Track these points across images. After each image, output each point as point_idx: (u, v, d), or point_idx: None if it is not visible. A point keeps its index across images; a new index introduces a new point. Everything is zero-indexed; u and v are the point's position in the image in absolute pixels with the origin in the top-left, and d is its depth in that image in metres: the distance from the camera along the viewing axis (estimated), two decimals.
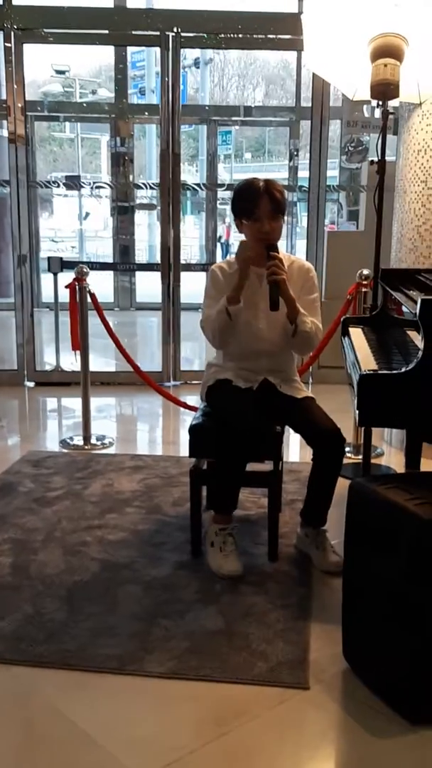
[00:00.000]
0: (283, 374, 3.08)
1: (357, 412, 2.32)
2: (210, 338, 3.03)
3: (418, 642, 2.02)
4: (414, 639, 2.02)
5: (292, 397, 3.00)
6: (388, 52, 3.24)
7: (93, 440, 4.51)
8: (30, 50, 5.70)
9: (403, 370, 2.23)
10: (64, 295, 4.75)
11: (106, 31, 6.03)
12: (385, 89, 3.27)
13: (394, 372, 2.25)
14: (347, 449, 4.27)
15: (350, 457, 4.21)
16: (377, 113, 3.58)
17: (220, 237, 13.44)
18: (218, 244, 13.02)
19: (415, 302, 2.24)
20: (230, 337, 2.97)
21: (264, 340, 2.99)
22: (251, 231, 2.92)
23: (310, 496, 2.97)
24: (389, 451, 4.39)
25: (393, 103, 3.67)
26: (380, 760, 1.94)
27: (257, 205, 2.87)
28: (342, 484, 2.68)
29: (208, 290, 3.04)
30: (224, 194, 10.18)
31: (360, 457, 4.00)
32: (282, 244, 10.94)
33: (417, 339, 2.31)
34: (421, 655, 2.02)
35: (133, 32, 6.00)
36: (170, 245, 5.95)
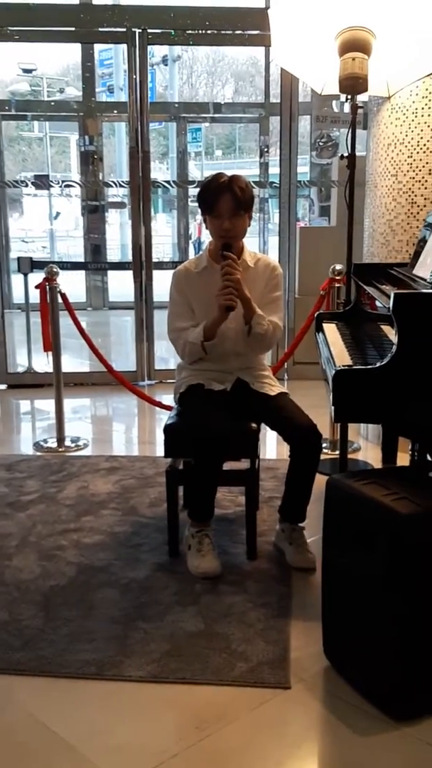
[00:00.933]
0: (254, 371, 3.05)
1: (333, 407, 2.31)
2: (181, 357, 3.05)
3: (399, 638, 2.00)
4: (395, 635, 2.01)
5: (266, 395, 2.98)
6: (355, 45, 3.23)
7: (67, 442, 4.46)
8: None
9: (378, 365, 2.21)
10: (36, 296, 4.70)
11: (73, 29, 5.98)
12: (353, 83, 3.25)
13: (369, 367, 2.24)
14: (324, 445, 4.26)
15: (327, 453, 4.20)
16: (347, 108, 3.56)
17: (190, 235, 13.40)
18: (190, 243, 12.98)
19: (389, 297, 2.23)
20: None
21: (230, 339, 2.96)
22: (213, 227, 2.90)
23: (287, 492, 2.96)
24: (366, 446, 4.39)
25: (362, 98, 3.67)
26: (364, 758, 1.92)
27: (218, 201, 2.83)
28: (320, 480, 2.67)
29: (172, 296, 3.03)
30: (195, 191, 10.15)
31: (337, 452, 3.99)
32: (254, 241, 10.94)
33: (391, 333, 2.30)
34: (403, 652, 2.01)
35: (100, 29, 5.95)
36: (142, 243, 5.91)
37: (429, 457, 2.46)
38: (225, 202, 2.82)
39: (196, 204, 3.05)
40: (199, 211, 3.00)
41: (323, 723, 2.08)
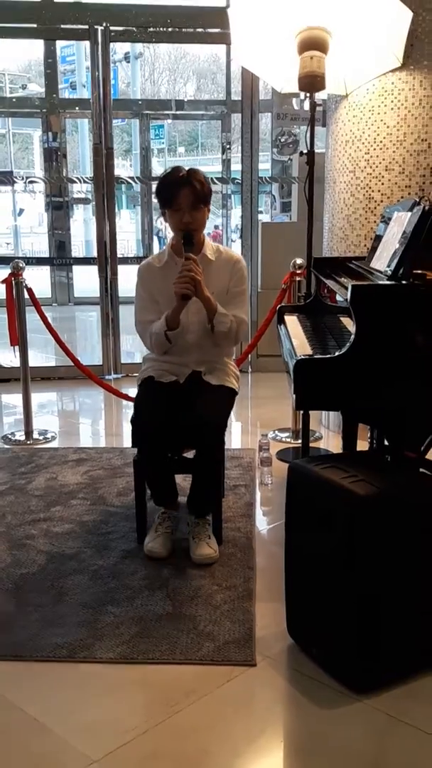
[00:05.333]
0: (212, 363, 3.07)
1: (294, 396, 2.39)
2: (149, 349, 3.08)
3: (358, 614, 2.09)
4: (354, 611, 2.10)
5: (208, 384, 3.00)
6: (313, 44, 3.32)
7: (35, 435, 4.50)
8: None
9: (336, 354, 2.30)
10: (1, 292, 4.72)
11: (35, 25, 6.00)
12: (312, 81, 3.35)
13: (328, 356, 2.33)
14: (286, 434, 4.37)
15: (290, 442, 4.30)
16: (306, 105, 3.65)
17: (159, 231, 13.42)
18: (155, 237, 13.01)
19: (347, 289, 2.32)
20: (169, 349, 3.01)
21: (192, 332, 3.00)
22: (173, 221, 2.93)
23: (191, 483, 2.98)
24: (327, 434, 4.49)
25: (321, 95, 3.76)
26: (327, 730, 2.01)
27: (178, 195, 2.86)
28: (282, 468, 2.75)
29: (138, 291, 3.07)
30: None
31: (299, 441, 4.09)
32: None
33: (350, 324, 2.39)
34: (362, 628, 2.10)
35: (62, 26, 5.97)
36: (106, 239, 5.96)
37: (386, 442, 2.55)
38: (184, 195, 2.85)
39: None
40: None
41: (288, 697, 2.16)
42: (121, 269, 6.06)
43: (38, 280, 8.40)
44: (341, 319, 2.84)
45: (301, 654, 2.31)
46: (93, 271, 6.16)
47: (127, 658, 2.29)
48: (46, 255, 11.19)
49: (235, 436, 4.50)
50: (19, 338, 4.48)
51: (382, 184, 3.90)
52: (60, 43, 11.69)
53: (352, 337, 2.28)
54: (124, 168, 16.81)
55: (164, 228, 13.88)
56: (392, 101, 3.79)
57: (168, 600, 2.59)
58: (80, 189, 11.66)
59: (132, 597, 2.61)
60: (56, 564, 2.86)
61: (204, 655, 2.30)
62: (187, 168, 2.94)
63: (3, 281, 4.54)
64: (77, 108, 11.97)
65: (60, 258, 10.61)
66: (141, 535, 3.02)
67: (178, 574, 2.77)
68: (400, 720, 2.03)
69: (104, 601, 2.59)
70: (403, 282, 2.37)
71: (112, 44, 5.89)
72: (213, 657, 2.29)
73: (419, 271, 2.45)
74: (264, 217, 9.39)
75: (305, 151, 3.61)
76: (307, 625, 2.31)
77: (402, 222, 2.58)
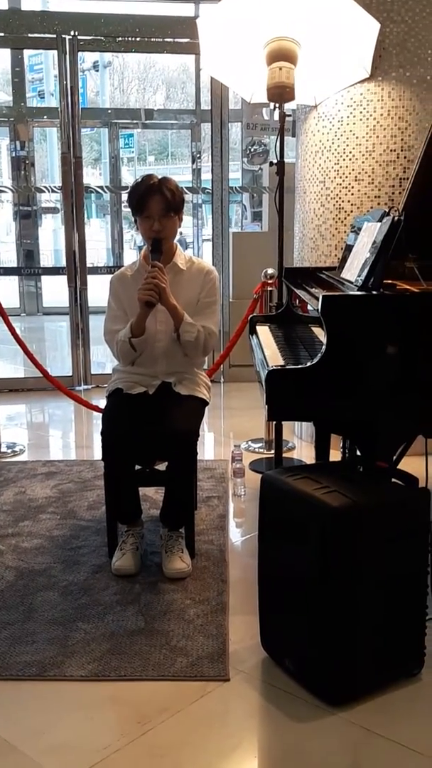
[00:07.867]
0: (182, 374, 3.04)
1: (266, 407, 2.37)
2: (116, 359, 3.05)
3: (331, 627, 2.08)
4: (328, 623, 2.08)
5: (177, 394, 2.98)
6: (282, 55, 3.32)
7: (3, 448, 4.43)
8: None
9: (308, 364, 2.29)
10: None
11: (2, 34, 5.95)
12: (281, 92, 3.35)
13: (299, 367, 2.31)
14: (259, 445, 4.36)
15: (263, 453, 4.29)
16: (276, 115, 3.66)
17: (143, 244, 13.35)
18: (130, 246, 12.98)
19: (317, 299, 2.31)
20: (135, 358, 2.98)
21: (160, 341, 2.97)
22: (143, 228, 2.93)
23: (164, 495, 2.94)
24: (300, 444, 4.49)
25: (290, 106, 3.77)
26: (302, 744, 1.99)
27: (148, 202, 2.85)
28: (256, 479, 2.73)
29: (108, 301, 3.05)
30: None
31: (272, 452, 4.08)
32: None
33: (321, 334, 2.38)
34: (335, 639, 2.09)
35: (29, 35, 5.92)
36: (75, 249, 5.91)
37: (358, 452, 2.55)
38: (155, 203, 2.85)
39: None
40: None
41: (262, 712, 2.14)
42: (91, 279, 6.02)
43: (6, 290, 8.34)
44: (313, 329, 2.84)
45: (275, 668, 2.29)
46: (62, 280, 6.10)
47: (99, 675, 2.25)
48: (14, 265, 11.08)
49: (207, 447, 4.47)
50: None
51: (352, 194, 3.91)
52: (27, 52, 11.61)
53: (323, 347, 2.27)
54: (94, 177, 16.73)
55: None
56: (361, 112, 3.81)
57: (140, 615, 2.56)
58: (49, 198, 11.58)
59: (103, 613, 2.57)
60: (25, 580, 2.81)
61: (177, 670, 2.27)
62: (159, 176, 2.92)
63: None
64: (45, 117, 11.88)
65: (28, 268, 10.53)
66: (112, 549, 2.98)
67: (150, 589, 2.74)
68: (375, 733, 2.02)
69: (75, 617, 2.55)
70: (374, 292, 2.37)
71: (80, 53, 5.86)
72: (186, 672, 2.26)
73: (389, 281, 2.46)
74: (235, 227, 9.40)
75: (275, 161, 3.62)
76: (280, 638, 2.29)
77: (372, 232, 2.58)
